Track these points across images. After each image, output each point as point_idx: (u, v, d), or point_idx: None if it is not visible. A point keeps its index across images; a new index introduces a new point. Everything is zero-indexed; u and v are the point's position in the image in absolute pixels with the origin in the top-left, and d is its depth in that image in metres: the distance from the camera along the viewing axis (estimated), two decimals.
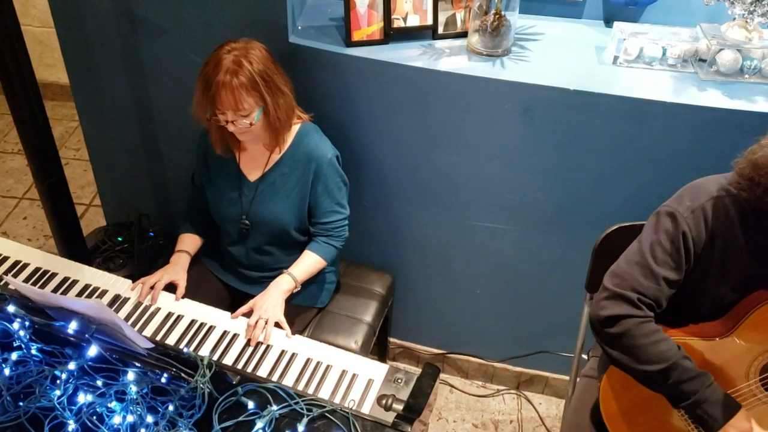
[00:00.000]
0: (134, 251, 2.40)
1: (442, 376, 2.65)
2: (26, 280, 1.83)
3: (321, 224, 1.95)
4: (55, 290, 1.81)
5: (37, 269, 1.87)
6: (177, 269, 1.93)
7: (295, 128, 1.89)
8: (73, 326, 1.44)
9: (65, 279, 1.85)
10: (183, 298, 1.86)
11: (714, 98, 1.82)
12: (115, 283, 1.86)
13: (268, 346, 1.70)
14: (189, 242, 2.04)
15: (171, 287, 1.88)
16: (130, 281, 1.87)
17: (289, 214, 1.92)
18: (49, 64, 3.86)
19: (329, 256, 1.97)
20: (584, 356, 1.97)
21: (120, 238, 2.45)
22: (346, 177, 1.94)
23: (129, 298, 1.82)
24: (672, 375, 1.40)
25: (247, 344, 1.72)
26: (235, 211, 1.96)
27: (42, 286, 1.82)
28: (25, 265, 1.88)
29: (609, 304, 1.46)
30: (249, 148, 1.92)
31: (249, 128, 1.75)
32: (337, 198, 1.93)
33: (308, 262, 1.94)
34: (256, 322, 1.75)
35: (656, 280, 1.45)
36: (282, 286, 1.88)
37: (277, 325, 1.78)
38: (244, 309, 1.82)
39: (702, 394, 1.40)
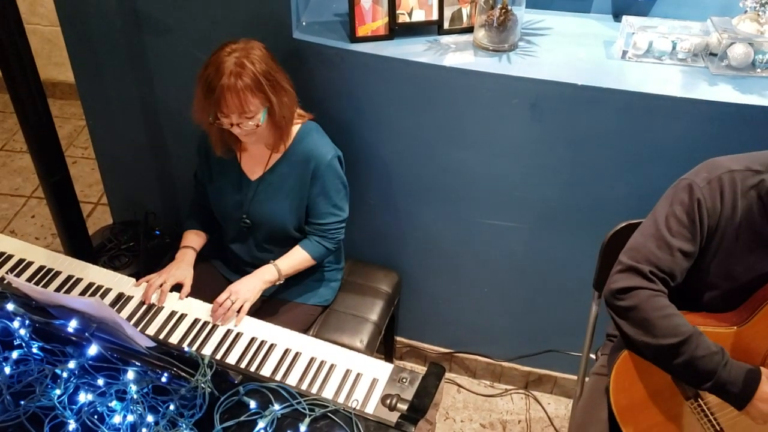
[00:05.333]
0: (140, 249, 2.39)
1: (450, 375, 2.63)
2: (30, 279, 1.82)
3: (316, 224, 1.94)
4: (58, 289, 1.80)
5: (41, 267, 1.86)
6: (182, 267, 1.91)
7: (296, 128, 1.88)
8: (73, 324, 1.43)
9: (69, 277, 1.84)
10: (187, 296, 1.84)
11: (725, 93, 1.78)
12: (120, 282, 1.84)
13: (271, 345, 1.68)
14: (194, 238, 2.02)
15: (176, 286, 1.87)
16: (134, 279, 1.85)
17: (288, 213, 1.92)
18: (57, 62, 3.87)
19: (319, 256, 1.96)
20: (592, 355, 1.94)
21: (126, 237, 2.44)
22: (346, 179, 1.92)
23: (132, 297, 1.80)
24: (685, 350, 1.37)
25: (223, 333, 1.71)
26: (235, 210, 1.95)
27: (46, 285, 1.81)
28: (30, 264, 1.87)
29: (622, 276, 1.45)
30: (250, 148, 1.91)
31: (254, 130, 1.73)
32: (335, 200, 1.91)
33: (297, 258, 1.94)
34: (224, 301, 1.76)
35: (671, 251, 1.43)
36: (265, 276, 1.89)
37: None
38: (223, 295, 1.81)
39: (720, 376, 1.36)
